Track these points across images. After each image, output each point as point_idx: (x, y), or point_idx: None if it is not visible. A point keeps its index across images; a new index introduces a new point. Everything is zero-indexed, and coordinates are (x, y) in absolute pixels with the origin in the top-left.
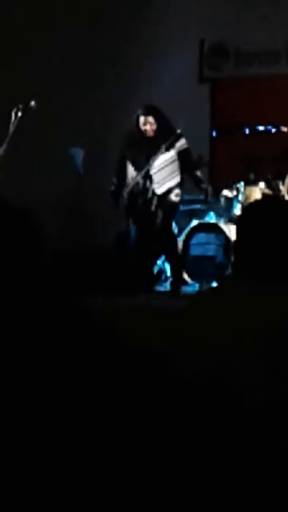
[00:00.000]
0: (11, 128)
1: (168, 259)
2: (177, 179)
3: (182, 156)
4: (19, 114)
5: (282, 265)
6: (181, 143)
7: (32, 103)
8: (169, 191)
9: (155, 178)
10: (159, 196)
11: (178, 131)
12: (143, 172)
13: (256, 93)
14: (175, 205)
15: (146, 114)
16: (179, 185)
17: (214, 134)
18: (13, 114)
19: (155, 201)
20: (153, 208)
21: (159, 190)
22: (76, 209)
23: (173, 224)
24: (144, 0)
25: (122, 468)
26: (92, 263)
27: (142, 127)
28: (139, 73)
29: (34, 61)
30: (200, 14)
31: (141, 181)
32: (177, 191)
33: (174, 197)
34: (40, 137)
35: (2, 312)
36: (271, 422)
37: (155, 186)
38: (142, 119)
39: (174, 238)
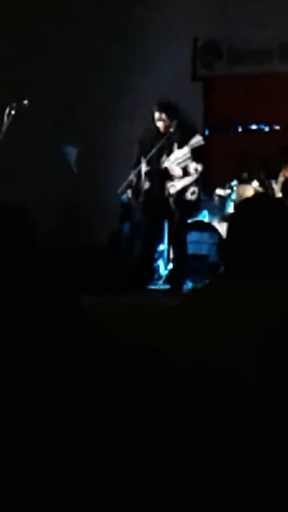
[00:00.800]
0: (4, 127)
1: (174, 257)
2: (192, 177)
3: (196, 153)
4: (13, 112)
5: (274, 262)
6: (196, 140)
7: (26, 101)
8: (184, 189)
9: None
10: (175, 195)
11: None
12: (137, 170)
13: (249, 92)
14: (190, 203)
15: (159, 110)
16: (197, 182)
17: (207, 132)
18: (6, 113)
19: (171, 200)
20: (173, 207)
21: (172, 189)
22: (70, 208)
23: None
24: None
25: (119, 466)
26: (85, 262)
27: (157, 124)
28: (133, 71)
29: (29, 59)
30: (193, 12)
31: (134, 179)
32: (193, 189)
33: (189, 195)
34: (33, 136)
35: None
36: (268, 418)
37: (168, 184)
38: (156, 115)
39: (183, 236)
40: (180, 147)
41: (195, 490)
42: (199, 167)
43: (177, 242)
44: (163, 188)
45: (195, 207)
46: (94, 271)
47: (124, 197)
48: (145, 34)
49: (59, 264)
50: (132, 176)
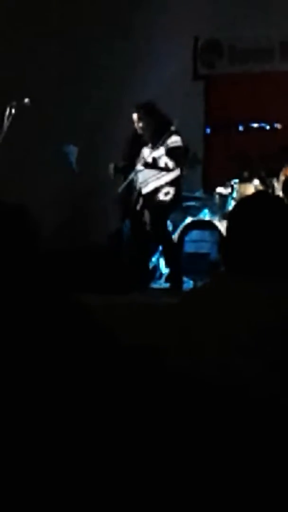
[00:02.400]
0: (5, 125)
1: (165, 258)
2: (166, 178)
3: (171, 154)
4: (13, 111)
5: (274, 260)
6: (172, 140)
7: (26, 100)
8: (157, 190)
9: (140, 177)
10: (145, 196)
11: (172, 128)
12: (134, 172)
13: (250, 90)
14: (164, 204)
15: (135, 111)
16: (173, 183)
17: (208, 131)
18: (7, 111)
19: (140, 201)
20: (138, 207)
21: (144, 190)
22: (70, 207)
23: (167, 223)
24: None
25: (120, 465)
26: (86, 261)
27: (135, 125)
28: (134, 70)
29: (29, 58)
30: (194, 11)
31: (135, 178)
32: (166, 189)
33: (162, 196)
34: (34, 135)
35: None
36: (268, 416)
37: (141, 185)
38: (134, 116)
39: (167, 236)
40: (156, 147)
41: (196, 489)
42: (170, 164)
43: (161, 243)
44: (134, 189)
45: (169, 208)
46: (94, 271)
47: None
48: (146, 32)
49: (59, 263)
50: (132, 175)
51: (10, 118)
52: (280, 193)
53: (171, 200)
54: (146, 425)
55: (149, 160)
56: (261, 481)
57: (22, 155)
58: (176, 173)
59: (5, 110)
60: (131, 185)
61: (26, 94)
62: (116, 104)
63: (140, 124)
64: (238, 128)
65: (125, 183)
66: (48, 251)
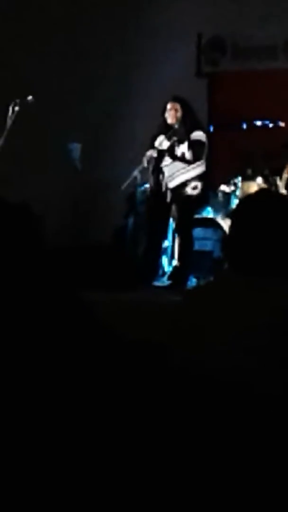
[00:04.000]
0: (8, 123)
1: (179, 253)
2: (194, 172)
3: (192, 146)
4: (16, 108)
5: (277, 258)
6: (197, 134)
7: (30, 97)
8: (184, 184)
9: (166, 171)
10: (173, 190)
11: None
12: (141, 166)
13: (253, 88)
14: (191, 198)
15: (173, 100)
16: (201, 177)
17: (211, 129)
18: (10, 108)
19: (168, 195)
20: (168, 200)
21: (171, 184)
22: (74, 204)
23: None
24: None
25: (122, 463)
26: (89, 258)
27: (167, 114)
28: (137, 68)
29: (33, 55)
30: (198, 8)
31: (138, 176)
32: (194, 184)
33: (190, 190)
34: (38, 132)
35: (1, 308)
36: (271, 414)
37: (167, 179)
38: (169, 105)
39: (190, 232)
40: (180, 142)
41: (199, 485)
42: (188, 155)
43: (183, 238)
44: (159, 183)
45: (198, 202)
46: (98, 268)
47: (142, 187)
48: (149, 30)
49: (63, 260)
50: (136, 172)
51: (13, 116)
52: (284, 191)
53: (199, 194)
54: (148, 422)
55: (164, 146)
56: (265, 476)
57: (26, 152)
58: (203, 167)
59: (8, 108)
60: (135, 182)
61: (29, 91)
62: (120, 101)
63: (178, 114)
64: (241, 126)
65: (129, 180)
66: (51, 248)
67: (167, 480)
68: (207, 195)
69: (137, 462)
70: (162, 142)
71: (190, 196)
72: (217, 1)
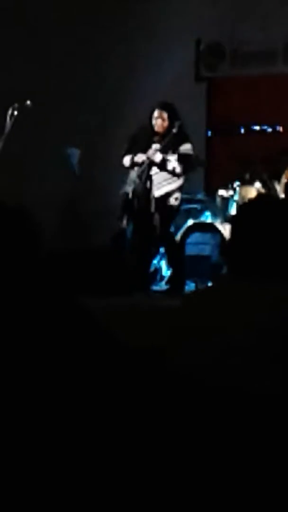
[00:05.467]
0: (7, 127)
1: (168, 261)
2: (177, 183)
3: (181, 160)
4: (15, 113)
5: (276, 262)
6: (185, 147)
7: (28, 102)
8: (168, 194)
9: (154, 180)
10: (157, 199)
11: (187, 135)
12: (139, 171)
13: (252, 93)
14: (173, 209)
15: (161, 108)
16: (180, 189)
17: (209, 133)
18: (9, 113)
19: (153, 203)
20: (152, 209)
21: (157, 193)
22: (72, 209)
23: (171, 227)
24: None
25: (120, 466)
26: (88, 263)
27: (154, 121)
28: (136, 73)
29: (31, 59)
30: (196, 13)
31: (137, 180)
32: (176, 195)
33: (173, 201)
34: (36, 137)
35: (0, 312)
36: (270, 418)
37: (154, 188)
38: (156, 113)
39: (172, 238)
40: (172, 151)
41: (196, 488)
42: (178, 169)
43: (169, 247)
44: (147, 191)
45: (176, 213)
46: (96, 273)
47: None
48: (148, 34)
49: (61, 265)
50: (134, 177)
51: (12, 120)
52: (282, 195)
53: (179, 205)
54: (147, 426)
55: (157, 159)
56: (263, 480)
57: (24, 156)
58: (182, 179)
59: (7, 112)
60: (134, 187)
61: (27, 96)
62: (118, 106)
63: (165, 124)
64: (240, 130)
65: (126, 184)
66: (49, 253)
67: (166, 483)
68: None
69: (136, 465)
70: (155, 154)
71: (172, 207)
72: (215, 6)
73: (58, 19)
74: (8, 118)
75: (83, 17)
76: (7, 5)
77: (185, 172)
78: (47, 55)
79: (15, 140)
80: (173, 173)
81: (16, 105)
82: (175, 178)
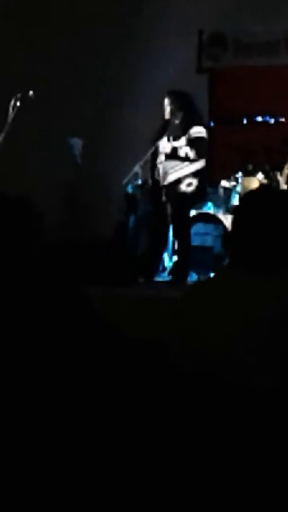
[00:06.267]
0: (10, 118)
1: (178, 249)
2: (189, 168)
3: (193, 144)
4: (18, 103)
5: (278, 254)
6: (195, 130)
7: (31, 92)
8: (178, 181)
9: (160, 168)
10: (166, 187)
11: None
12: (142, 161)
13: (254, 84)
14: (185, 195)
15: (167, 95)
16: (196, 174)
17: (212, 124)
18: (11, 104)
19: (163, 192)
20: (163, 199)
21: (165, 181)
22: (75, 199)
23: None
24: None
25: (123, 457)
26: (90, 254)
27: (165, 111)
28: (138, 63)
29: (35, 51)
30: (199, 4)
31: (139, 171)
32: (189, 180)
33: (184, 187)
34: (38, 127)
35: (1, 302)
36: (271, 409)
37: (161, 177)
38: (165, 101)
39: (186, 229)
40: (178, 136)
41: (199, 482)
42: (191, 154)
43: (179, 235)
44: (155, 180)
45: (193, 199)
46: (99, 263)
47: (129, 187)
48: (150, 26)
49: (64, 255)
50: (137, 168)
51: (14, 111)
52: (284, 187)
53: (194, 191)
54: (149, 417)
55: (167, 150)
56: (265, 474)
57: (27, 147)
58: (200, 164)
59: (9, 103)
60: (137, 177)
61: (30, 87)
62: (121, 96)
63: (170, 108)
64: (242, 121)
65: (130, 175)
66: (53, 243)
67: (168, 477)
68: (204, 192)
69: (137, 457)
70: (165, 146)
71: (184, 193)
72: None
73: (61, 13)
74: (10, 108)
75: (85, 9)
76: (10, 1)
77: (200, 155)
78: (50, 46)
79: (17, 130)
80: (187, 159)
81: (19, 95)
82: (186, 163)
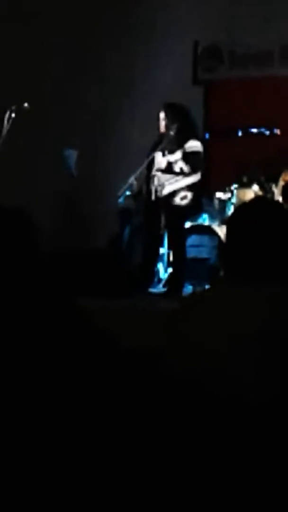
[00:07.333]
0: (5, 129)
1: (173, 262)
2: (183, 182)
3: (188, 158)
4: (13, 115)
5: (273, 265)
6: (191, 144)
7: (26, 104)
8: (173, 194)
9: (156, 180)
10: (161, 199)
11: (193, 132)
12: (137, 173)
13: (250, 95)
14: (179, 208)
15: (162, 109)
16: (191, 187)
17: (207, 136)
18: (6, 115)
19: (158, 204)
20: (158, 210)
21: (160, 193)
22: (70, 211)
23: (184, 227)
24: (140, 2)
25: (118, 470)
26: (85, 265)
27: (161, 124)
28: (134, 75)
29: (30, 61)
30: (194, 15)
31: (134, 183)
32: (183, 194)
33: (178, 200)
34: (33, 139)
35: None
36: (268, 421)
37: (158, 188)
38: (161, 115)
39: (181, 241)
40: (172, 150)
41: (194, 493)
42: (186, 168)
43: (174, 247)
44: (149, 192)
45: (187, 212)
46: (94, 275)
47: (121, 200)
48: (146, 37)
49: (59, 267)
50: (132, 180)
51: (9, 122)
52: (279, 198)
53: (189, 204)
54: (144, 429)
55: (162, 165)
56: (261, 486)
57: (22, 159)
58: (195, 177)
59: (4, 114)
60: (132, 189)
61: (25, 98)
62: (116, 108)
63: (165, 122)
64: (237, 133)
65: (125, 187)
66: (48, 254)
67: (163, 487)
68: (198, 205)
69: (132, 469)
70: (160, 161)
71: (179, 206)
72: (213, 8)
73: (57, 20)
74: (5, 120)
75: (82, 18)
76: (6, 4)
77: (195, 170)
78: (45, 57)
79: (13, 142)
80: (182, 173)
81: (13, 107)
82: (180, 177)
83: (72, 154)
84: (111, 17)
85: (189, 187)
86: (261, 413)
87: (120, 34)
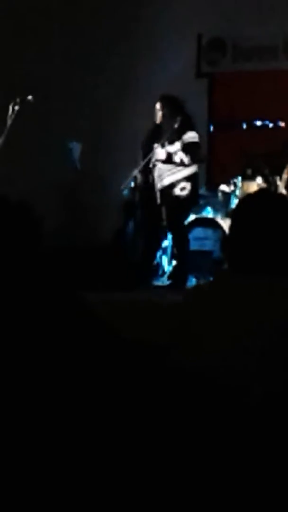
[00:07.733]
0: (9, 122)
1: (176, 253)
2: (183, 173)
3: (187, 149)
4: (17, 107)
5: (277, 258)
6: (189, 135)
7: (30, 96)
8: (173, 185)
9: (156, 172)
10: (161, 191)
11: (191, 123)
12: (141, 165)
13: (254, 88)
14: (179, 199)
15: (159, 100)
16: (190, 178)
17: (211, 129)
18: (10, 108)
19: (158, 196)
20: (158, 202)
21: (160, 185)
22: (73, 204)
23: (185, 218)
24: None
25: (120, 460)
26: (89, 258)
27: (157, 115)
28: (137, 68)
29: (33, 53)
30: (198, 8)
31: (138, 175)
32: (183, 185)
33: (178, 191)
34: (37, 132)
35: (1, 307)
36: (268, 415)
37: (157, 180)
38: (157, 105)
39: (183, 232)
40: (171, 141)
41: (196, 486)
42: (186, 159)
43: (177, 239)
44: (150, 184)
45: (187, 203)
46: (98, 268)
47: (125, 192)
48: (149, 30)
49: (63, 261)
50: (135, 172)
51: (13, 115)
52: (283, 191)
53: (188, 195)
54: (147, 421)
55: (162, 157)
56: (262, 479)
57: (26, 151)
58: (193, 168)
59: (8, 107)
60: (136, 182)
61: (29, 91)
62: (120, 101)
63: (161, 113)
64: (241, 126)
65: (129, 180)
66: (52, 248)
67: (165, 479)
68: (197, 196)
69: (135, 460)
70: (159, 153)
71: (178, 197)
72: (217, 1)
73: (61, 14)
74: (9, 112)
75: (84, 13)
76: (8, 2)
77: (194, 160)
78: (49, 51)
79: (17, 134)
80: (182, 164)
81: (17, 99)
82: (179, 168)
83: (76, 147)
84: (116, 10)
85: (188, 178)
86: (264, 404)
87: (124, 27)
